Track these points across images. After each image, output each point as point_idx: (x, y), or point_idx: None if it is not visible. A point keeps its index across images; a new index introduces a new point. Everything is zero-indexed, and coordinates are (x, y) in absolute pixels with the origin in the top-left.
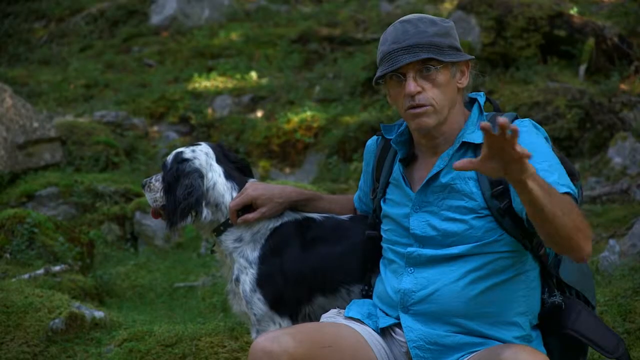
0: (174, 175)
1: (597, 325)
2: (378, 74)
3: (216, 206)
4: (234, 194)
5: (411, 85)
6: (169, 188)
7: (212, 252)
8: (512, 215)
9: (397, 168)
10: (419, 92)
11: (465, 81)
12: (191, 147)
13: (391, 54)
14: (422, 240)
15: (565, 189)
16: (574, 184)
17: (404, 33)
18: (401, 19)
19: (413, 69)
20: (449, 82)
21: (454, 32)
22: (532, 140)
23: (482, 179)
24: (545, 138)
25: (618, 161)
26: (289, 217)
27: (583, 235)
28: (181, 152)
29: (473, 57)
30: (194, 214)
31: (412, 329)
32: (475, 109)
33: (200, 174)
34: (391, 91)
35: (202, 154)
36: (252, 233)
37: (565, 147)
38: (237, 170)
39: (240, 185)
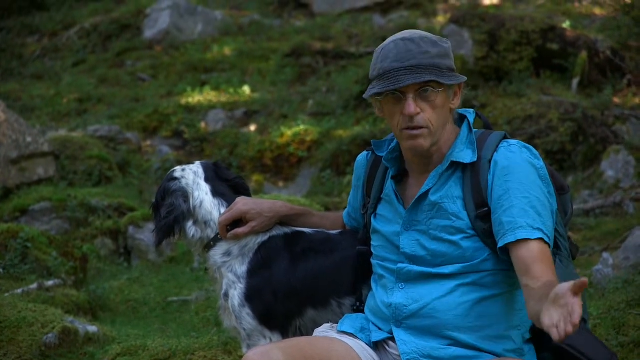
0: (161, 194)
1: (589, 340)
2: (377, 90)
3: (205, 223)
4: (222, 210)
5: (411, 107)
6: (156, 206)
7: (206, 270)
8: None
9: (390, 185)
10: (417, 113)
11: (457, 102)
12: (183, 166)
13: (392, 72)
14: (412, 259)
15: (538, 235)
16: (564, 197)
17: (407, 52)
18: (402, 35)
19: (413, 90)
20: (445, 104)
21: (451, 53)
22: (518, 172)
23: (468, 200)
24: (536, 157)
25: (611, 174)
26: (277, 231)
27: None
28: (173, 171)
29: (466, 78)
30: (177, 232)
31: (406, 342)
32: (464, 127)
33: (184, 194)
34: (386, 108)
35: (190, 173)
36: (240, 247)
37: (558, 160)
38: (231, 188)
39: (229, 202)
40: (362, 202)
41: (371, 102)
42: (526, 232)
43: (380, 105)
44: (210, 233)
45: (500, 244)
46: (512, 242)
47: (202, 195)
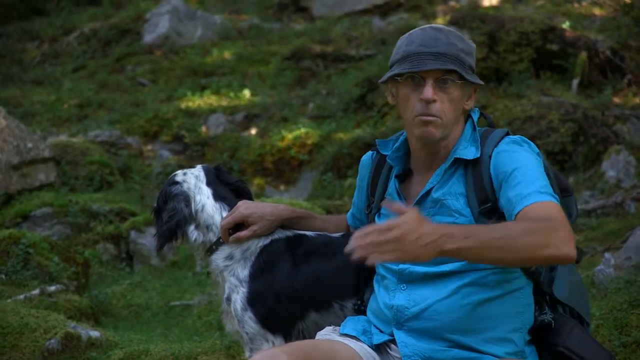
0: (163, 199)
1: (589, 343)
2: (399, 70)
3: (207, 227)
4: (224, 214)
5: (429, 92)
6: (158, 210)
7: (208, 274)
8: None
9: (393, 184)
10: (434, 100)
11: (471, 104)
12: (184, 170)
13: (417, 55)
14: None
15: (547, 197)
16: (568, 199)
17: (434, 39)
18: (431, 25)
19: (434, 77)
20: (460, 100)
21: (475, 55)
22: (520, 157)
23: (471, 196)
24: (537, 154)
25: (612, 174)
26: (279, 234)
27: (553, 247)
28: (174, 175)
29: (483, 83)
30: (179, 236)
31: (407, 344)
32: (469, 124)
33: (185, 198)
34: (402, 92)
35: (192, 177)
36: (242, 251)
37: (559, 161)
38: (233, 192)
39: (231, 205)
40: (367, 202)
41: (384, 90)
42: (535, 197)
43: (395, 89)
44: (212, 237)
45: (509, 220)
46: (522, 209)
47: (204, 199)
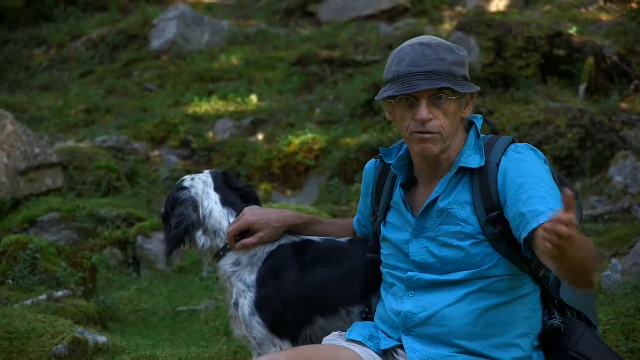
0: (171, 204)
1: (599, 347)
2: (391, 93)
3: (214, 233)
4: (232, 220)
5: (424, 112)
6: (166, 216)
7: (217, 279)
8: (509, 240)
9: (399, 192)
10: (430, 120)
11: (469, 112)
12: (192, 176)
13: (408, 76)
14: (422, 267)
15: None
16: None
17: (424, 57)
18: (420, 40)
19: (427, 96)
20: (457, 112)
21: (467, 62)
22: (530, 167)
23: (477, 205)
24: (544, 161)
25: (619, 180)
26: (286, 240)
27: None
28: (182, 181)
29: (480, 89)
30: (187, 242)
31: (415, 350)
32: (472, 133)
33: (194, 203)
34: (398, 112)
35: (200, 183)
36: (249, 257)
37: (566, 166)
38: (241, 197)
39: (239, 211)
40: (372, 209)
41: (382, 105)
42: (548, 217)
43: (391, 108)
44: (220, 243)
45: (524, 234)
46: (537, 229)
47: (212, 204)
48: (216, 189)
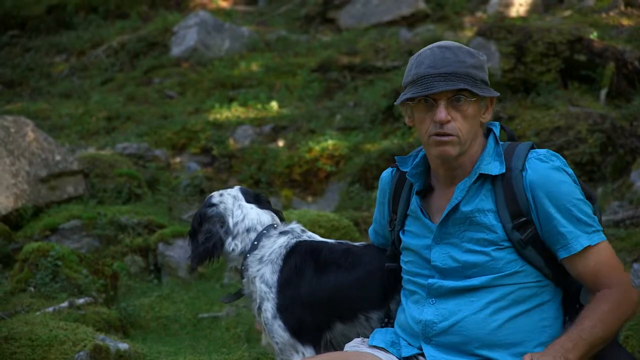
0: (198, 220)
1: (620, 353)
2: (409, 95)
3: (247, 231)
4: (270, 217)
5: (442, 113)
6: (193, 232)
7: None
8: (535, 245)
9: (415, 200)
10: (448, 121)
11: (488, 116)
12: (221, 191)
13: (427, 77)
14: (444, 272)
15: (599, 238)
16: (592, 207)
17: (443, 59)
18: (439, 43)
19: (446, 97)
20: (476, 115)
21: (486, 67)
22: (558, 185)
23: (502, 212)
24: (566, 172)
25: None
26: (304, 235)
27: (634, 306)
28: (210, 197)
29: (499, 94)
30: (215, 257)
31: (436, 358)
32: (491, 139)
33: (220, 219)
34: (417, 114)
35: (229, 198)
36: (269, 252)
37: (587, 171)
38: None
39: (274, 212)
40: (389, 218)
41: (402, 112)
42: (588, 239)
43: (411, 112)
44: (253, 236)
45: (562, 255)
46: (578, 253)
47: (246, 210)
48: (247, 202)
